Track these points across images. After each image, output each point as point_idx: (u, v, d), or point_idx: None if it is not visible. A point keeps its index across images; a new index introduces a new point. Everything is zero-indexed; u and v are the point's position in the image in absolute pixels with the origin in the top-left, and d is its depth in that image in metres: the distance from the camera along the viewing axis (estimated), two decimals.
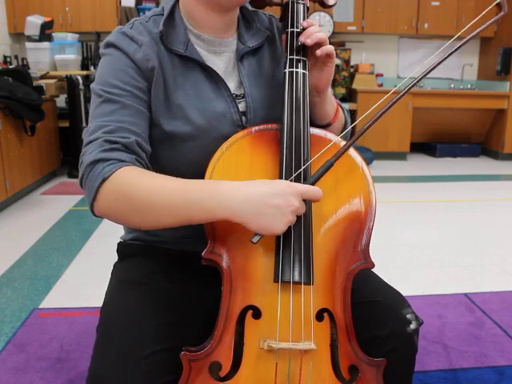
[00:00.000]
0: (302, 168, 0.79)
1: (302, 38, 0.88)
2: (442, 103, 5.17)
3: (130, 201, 0.75)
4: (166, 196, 0.74)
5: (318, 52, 0.87)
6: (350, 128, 0.99)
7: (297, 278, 0.74)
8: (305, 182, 0.78)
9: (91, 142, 0.79)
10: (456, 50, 0.83)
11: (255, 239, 0.73)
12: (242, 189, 0.72)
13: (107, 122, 0.80)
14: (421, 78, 0.83)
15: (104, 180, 0.74)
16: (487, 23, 0.84)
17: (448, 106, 5.23)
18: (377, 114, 0.80)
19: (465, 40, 0.82)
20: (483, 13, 0.84)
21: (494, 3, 0.85)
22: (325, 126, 0.96)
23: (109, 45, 0.87)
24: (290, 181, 0.77)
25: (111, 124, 0.79)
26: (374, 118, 0.80)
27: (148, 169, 0.82)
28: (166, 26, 0.88)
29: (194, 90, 0.88)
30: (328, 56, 0.89)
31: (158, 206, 0.74)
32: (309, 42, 0.87)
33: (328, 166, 0.78)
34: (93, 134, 0.79)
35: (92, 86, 0.86)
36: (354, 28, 5.20)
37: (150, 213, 0.75)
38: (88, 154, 0.77)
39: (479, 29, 0.83)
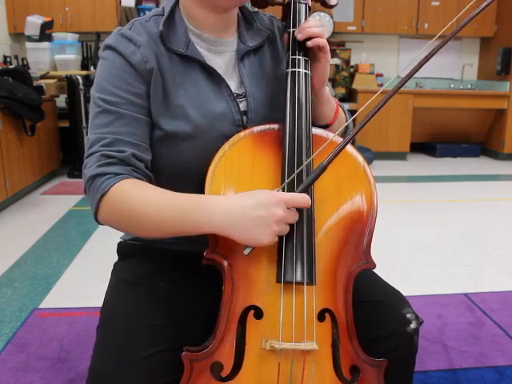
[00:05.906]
0: (294, 174, 0.77)
1: (295, 33, 0.89)
2: (442, 103, 5.17)
3: (126, 214, 0.79)
4: (157, 210, 0.76)
5: (309, 43, 0.87)
6: (343, 126, 0.98)
7: (299, 279, 0.74)
8: (298, 187, 0.75)
9: (91, 155, 0.82)
10: (458, 31, 0.78)
11: (246, 251, 0.73)
12: (225, 203, 0.73)
13: (104, 134, 0.82)
14: (415, 71, 0.80)
15: (102, 196, 0.78)
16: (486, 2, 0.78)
17: (448, 106, 5.23)
18: (368, 114, 0.76)
19: (467, 20, 0.77)
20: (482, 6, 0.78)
21: None
22: (323, 127, 0.96)
23: (107, 47, 0.87)
24: (283, 188, 0.76)
25: (108, 136, 0.82)
26: (365, 119, 0.76)
27: (147, 177, 0.85)
28: (166, 26, 0.88)
29: (194, 89, 0.88)
30: (320, 50, 0.88)
31: (150, 219, 0.77)
32: (299, 36, 0.87)
33: (320, 170, 0.75)
34: (92, 146, 0.83)
35: (91, 91, 0.87)
36: (353, 28, 5.20)
37: (145, 225, 0.78)
38: (88, 168, 0.81)
39: (481, 6, 0.77)
